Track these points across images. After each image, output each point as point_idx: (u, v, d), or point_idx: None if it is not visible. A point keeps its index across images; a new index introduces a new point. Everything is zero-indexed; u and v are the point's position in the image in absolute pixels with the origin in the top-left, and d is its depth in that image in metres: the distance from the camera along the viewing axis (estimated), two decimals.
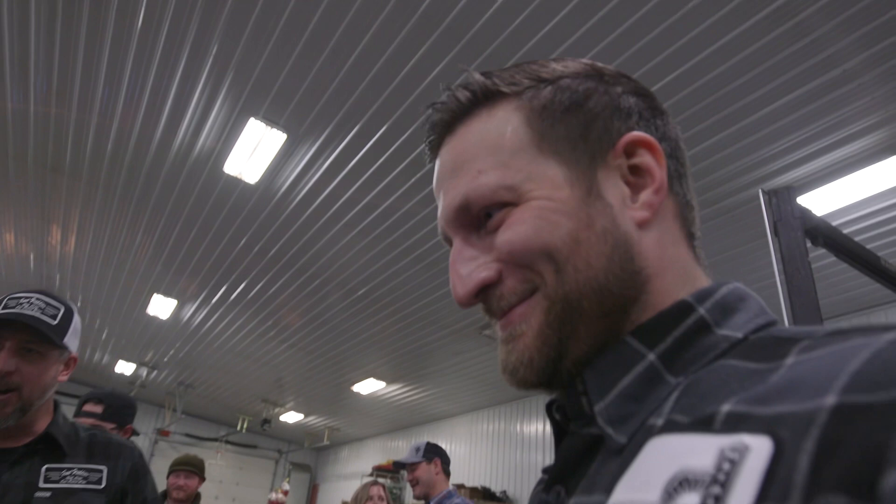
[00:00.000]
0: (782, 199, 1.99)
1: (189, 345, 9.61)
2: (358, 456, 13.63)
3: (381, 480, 3.19)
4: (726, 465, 0.26)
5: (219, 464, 12.81)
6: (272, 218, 5.63)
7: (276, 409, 11.45)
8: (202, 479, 3.27)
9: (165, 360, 10.56)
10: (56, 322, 1.11)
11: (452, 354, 7.98)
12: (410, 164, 4.44)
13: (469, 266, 0.41)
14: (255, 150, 4.52)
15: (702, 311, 0.36)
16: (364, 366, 9.09)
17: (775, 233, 1.92)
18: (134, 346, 10.36)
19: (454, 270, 0.42)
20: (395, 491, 10.44)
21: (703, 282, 0.40)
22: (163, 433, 12.58)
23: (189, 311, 8.23)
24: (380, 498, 3.00)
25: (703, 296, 0.37)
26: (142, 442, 12.03)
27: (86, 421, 1.77)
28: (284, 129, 4.29)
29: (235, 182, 5.13)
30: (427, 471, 2.67)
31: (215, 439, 13.23)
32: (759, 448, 0.25)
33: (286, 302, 7.33)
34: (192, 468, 3.22)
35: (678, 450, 0.29)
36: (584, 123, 0.40)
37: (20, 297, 1.13)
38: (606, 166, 0.39)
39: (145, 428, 12.56)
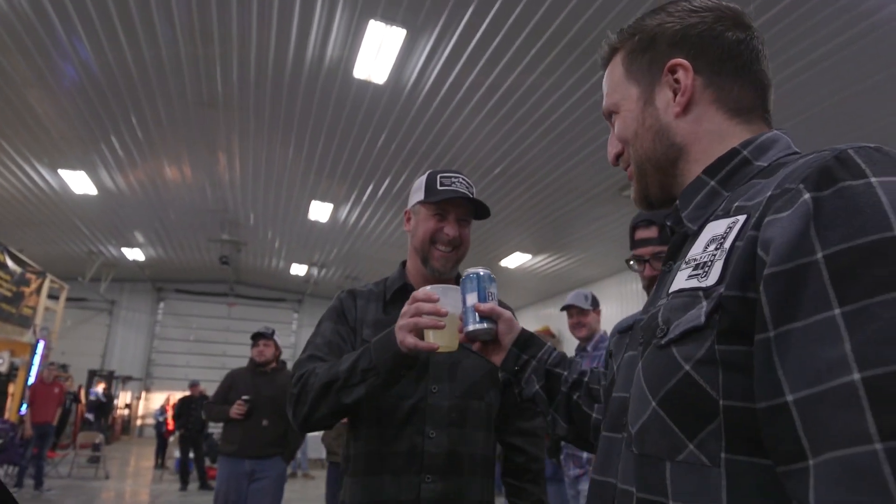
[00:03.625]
0: None
1: (348, 242, 10.59)
2: None
3: None
4: (728, 230, 0.53)
5: None
6: (403, 113, 5.91)
7: None
8: None
9: (331, 258, 11.76)
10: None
11: (593, 220, 8.07)
12: (528, 37, 4.40)
13: (611, 143, 0.74)
14: (378, 51, 4.73)
15: (745, 152, 0.62)
16: (508, 241, 9.49)
17: None
18: (302, 250, 11.62)
19: (608, 145, 0.75)
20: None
21: (750, 135, 0.64)
22: None
23: (343, 211, 9.01)
24: None
25: (747, 143, 0.62)
26: None
27: (644, 251, 1.67)
28: (403, 24, 4.42)
29: (365, 85, 5.42)
30: (595, 318, 3.06)
31: None
32: (741, 220, 0.52)
33: None
34: None
35: (713, 227, 0.56)
36: (650, 59, 0.67)
37: (452, 176, 1.37)
38: (660, 83, 0.67)
39: None
